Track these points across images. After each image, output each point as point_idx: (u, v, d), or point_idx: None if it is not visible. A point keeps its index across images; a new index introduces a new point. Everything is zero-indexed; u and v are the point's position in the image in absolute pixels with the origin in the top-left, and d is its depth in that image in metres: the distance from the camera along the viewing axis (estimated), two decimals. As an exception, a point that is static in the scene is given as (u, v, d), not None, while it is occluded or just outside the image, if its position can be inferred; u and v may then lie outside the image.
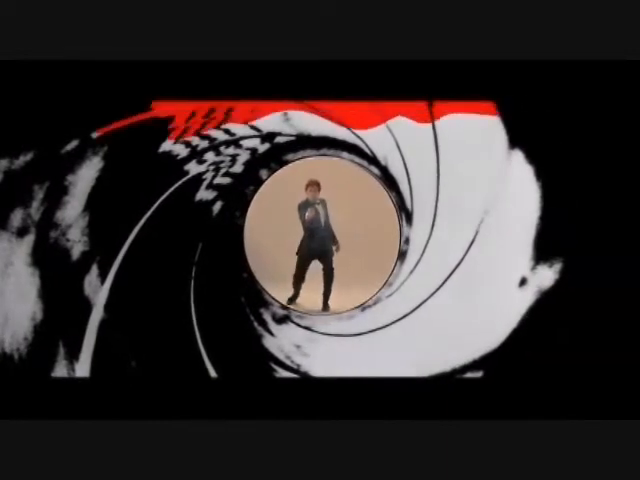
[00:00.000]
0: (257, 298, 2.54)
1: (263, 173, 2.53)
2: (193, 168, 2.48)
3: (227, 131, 2.48)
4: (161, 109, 2.44)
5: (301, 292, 2.93)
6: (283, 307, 2.58)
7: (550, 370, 2.43)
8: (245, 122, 2.47)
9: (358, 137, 2.49)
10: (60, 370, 2.45)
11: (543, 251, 2.43)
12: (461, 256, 2.46)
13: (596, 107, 2.41)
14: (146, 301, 2.46)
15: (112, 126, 2.43)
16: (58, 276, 2.45)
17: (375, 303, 2.51)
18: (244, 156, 2.50)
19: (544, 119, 2.42)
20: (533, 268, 2.43)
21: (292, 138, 2.49)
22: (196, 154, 2.48)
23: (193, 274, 2.48)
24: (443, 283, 2.47)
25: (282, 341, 2.51)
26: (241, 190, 2.52)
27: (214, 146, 2.49)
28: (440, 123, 2.45)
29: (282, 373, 2.49)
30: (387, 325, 2.49)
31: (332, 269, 2.89)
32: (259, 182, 2.53)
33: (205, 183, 2.49)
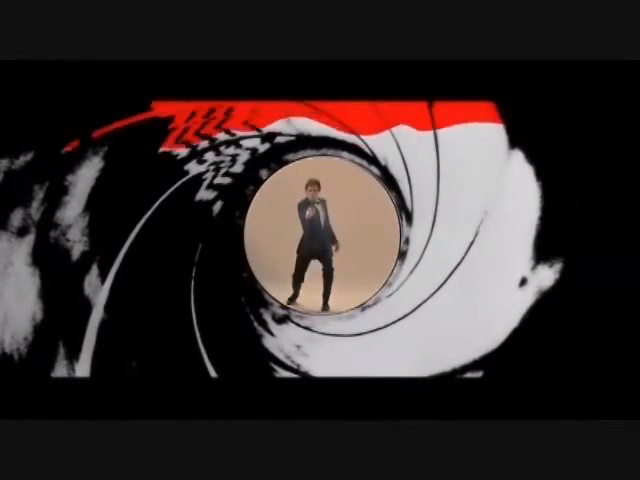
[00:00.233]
0: (257, 298, 2.54)
1: (263, 173, 2.53)
2: (193, 168, 2.48)
3: (227, 131, 2.48)
4: (161, 109, 2.44)
5: (301, 292, 2.93)
6: (283, 307, 2.58)
7: (550, 370, 2.43)
8: (245, 122, 2.47)
9: (358, 137, 2.49)
10: (60, 370, 2.45)
11: (543, 251, 2.43)
12: (461, 256, 2.46)
13: (596, 107, 2.41)
14: (146, 301, 2.46)
15: (112, 126, 2.43)
16: (58, 276, 2.45)
17: (375, 303, 2.51)
18: (244, 156, 2.51)
19: (544, 119, 2.42)
20: (533, 268, 2.43)
21: (292, 138, 2.49)
22: (196, 154, 2.48)
23: (193, 274, 2.48)
24: (443, 283, 2.47)
25: (282, 341, 2.51)
26: (241, 190, 2.52)
27: (214, 146, 2.49)
28: (440, 124, 2.45)
29: (282, 373, 2.49)
30: (387, 325, 2.49)
31: (332, 269, 2.89)
32: (259, 182, 2.53)
33: (205, 183, 2.49)
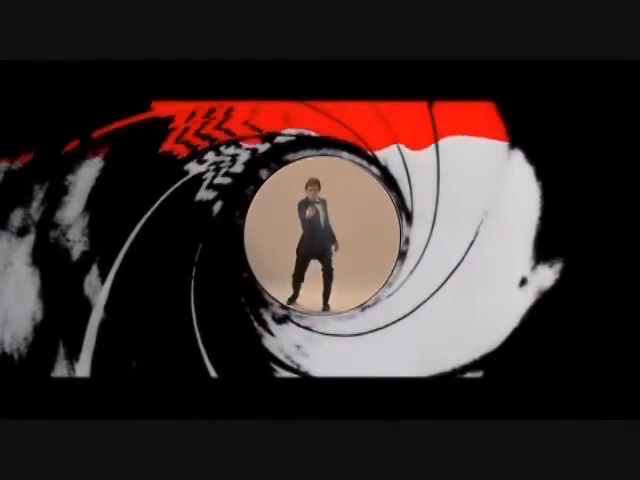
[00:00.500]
0: (257, 298, 2.54)
1: (263, 173, 2.53)
2: (193, 168, 2.48)
3: (227, 131, 2.48)
4: (161, 109, 2.44)
5: (301, 292, 2.93)
6: (283, 307, 2.58)
7: (550, 370, 2.43)
8: (245, 122, 2.47)
9: (358, 137, 2.49)
10: (60, 370, 2.45)
11: (543, 251, 2.43)
12: (461, 256, 2.46)
13: (596, 107, 2.41)
14: (146, 301, 2.46)
15: (112, 126, 2.43)
16: (58, 276, 2.45)
17: (375, 303, 2.51)
18: (244, 156, 2.51)
19: (544, 119, 2.42)
20: (533, 268, 2.43)
21: (292, 138, 2.49)
22: (196, 154, 2.48)
23: (193, 274, 2.48)
24: (443, 283, 2.47)
25: (282, 341, 2.51)
26: (241, 190, 2.52)
27: (214, 146, 2.49)
28: (440, 125, 2.45)
29: (282, 373, 2.49)
30: (387, 325, 2.49)
31: (331, 269, 2.89)
32: (259, 182, 2.53)
33: (205, 183, 2.49)
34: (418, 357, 2.46)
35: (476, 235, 2.46)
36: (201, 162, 2.49)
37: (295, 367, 2.49)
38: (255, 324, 2.52)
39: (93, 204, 2.45)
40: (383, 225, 2.53)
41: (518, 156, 2.44)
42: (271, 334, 2.51)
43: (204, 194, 2.50)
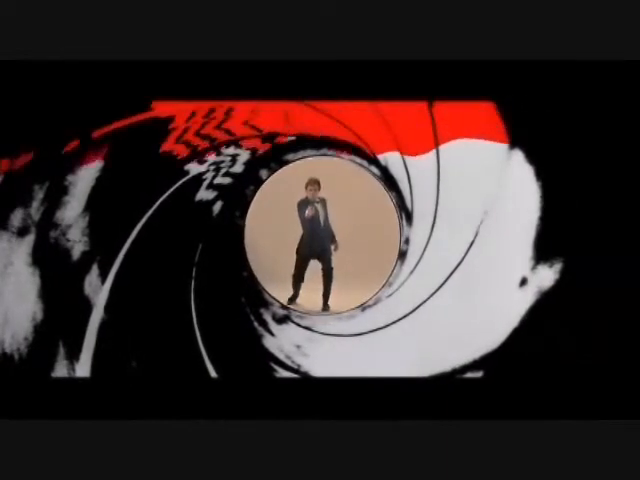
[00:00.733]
0: (257, 298, 2.54)
1: (263, 173, 2.53)
2: (193, 168, 2.48)
3: (227, 131, 2.48)
4: (161, 109, 2.44)
5: (301, 292, 2.93)
6: (283, 307, 2.58)
7: (550, 370, 2.43)
8: (245, 122, 2.47)
9: (358, 137, 2.49)
10: (60, 370, 2.45)
11: (543, 251, 2.43)
12: (461, 256, 2.46)
13: (596, 107, 2.41)
14: (146, 301, 2.46)
15: (112, 126, 2.43)
16: (58, 276, 2.45)
17: (375, 303, 2.51)
18: (244, 156, 2.51)
19: (544, 119, 2.42)
20: (533, 268, 2.43)
21: (292, 138, 2.49)
22: (196, 154, 2.48)
23: (193, 274, 2.48)
24: (443, 283, 2.47)
25: (282, 341, 2.51)
26: (241, 190, 2.53)
27: (214, 146, 2.49)
28: (440, 125, 2.45)
29: (282, 373, 2.49)
30: (387, 325, 2.49)
31: (331, 269, 2.89)
32: (259, 182, 2.53)
33: (205, 183, 2.49)
34: (418, 357, 2.46)
35: (476, 235, 2.46)
36: (201, 162, 2.49)
37: (295, 367, 2.50)
38: (255, 324, 2.52)
39: (93, 204, 2.45)
40: (383, 225, 2.53)
41: (518, 156, 2.44)
42: (271, 334, 2.52)
43: (204, 194, 2.50)
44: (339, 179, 2.59)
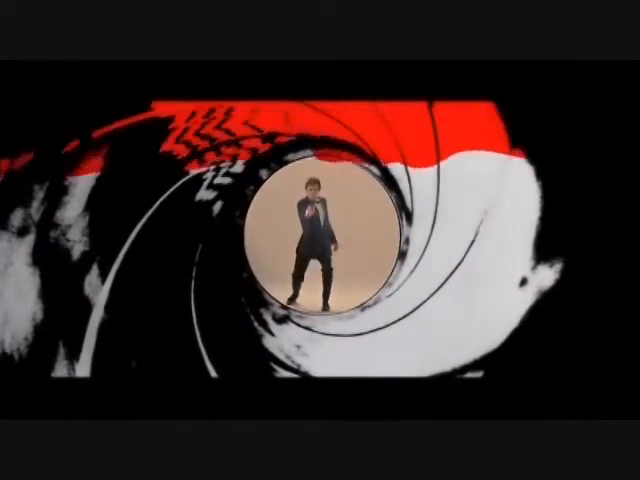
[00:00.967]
0: (257, 298, 2.54)
1: (263, 173, 2.53)
2: (193, 168, 2.48)
3: (227, 131, 2.48)
4: (161, 109, 2.44)
5: (300, 292, 2.93)
6: (283, 307, 2.58)
7: (550, 370, 2.43)
8: (245, 122, 2.47)
9: (358, 137, 2.49)
10: (60, 370, 2.45)
11: (543, 251, 2.43)
12: (461, 256, 2.46)
13: (596, 107, 2.41)
14: (146, 301, 2.46)
15: (112, 126, 2.43)
16: (58, 276, 2.45)
17: (375, 303, 2.51)
18: (244, 156, 2.50)
19: (544, 119, 2.42)
20: (533, 268, 2.43)
21: (292, 138, 2.49)
22: (196, 154, 2.48)
23: (193, 274, 2.48)
24: (443, 283, 2.47)
25: (282, 341, 2.51)
26: (241, 190, 2.52)
27: (214, 146, 2.49)
28: (440, 125, 2.45)
29: (282, 373, 2.49)
30: (387, 325, 2.49)
31: (331, 269, 2.89)
32: (259, 182, 2.53)
33: (205, 183, 2.49)
34: (418, 357, 2.46)
35: (476, 235, 2.46)
36: (201, 162, 2.49)
37: (295, 367, 2.50)
38: (255, 324, 2.52)
39: (93, 204, 2.45)
40: (383, 225, 2.53)
41: (518, 156, 2.44)
42: (271, 334, 2.52)
43: (204, 194, 2.50)
44: (339, 179, 2.59)
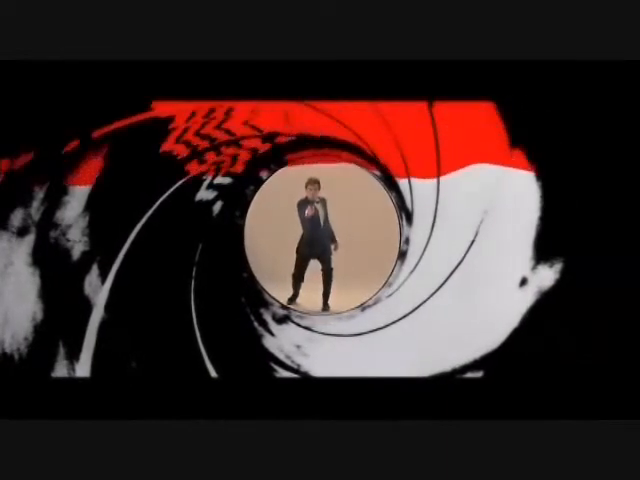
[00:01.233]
0: (257, 298, 2.54)
1: (263, 173, 2.53)
2: (193, 168, 2.48)
3: (227, 131, 2.48)
4: (161, 109, 2.44)
5: (301, 292, 2.93)
6: (283, 307, 2.58)
7: (550, 370, 2.43)
8: (245, 122, 2.47)
9: (358, 137, 2.49)
10: (60, 370, 2.45)
11: (543, 251, 2.43)
12: (461, 256, 2.46)
13: (596, 107, 2.41)
14: (146, 301, 2.46)
15: (112, 126, 2.43)
16: (58, 276, 2.45)
17: (375, 303, 2.51)
18: (244, 156, 2.51)
19: (544, 119, 2.42)
20: (533, 268, 2.43)
21: (292, 138, 2.49)
22: (196, 154, 2.48)
23: (193, 274, 2.48)
24: (443, 283, 2.47)
25: (282, 341, 2.51)
26: (241, 190, 2.52)
27: (214, 146, 2.49)
28: (440, 125, 2.45)
29: (282, 373, 2.49)
30: (387, 325, 2.49)
31: (331, 269, 2.89)
32: (259, 182, 2.53)
33: (205, 183, 2.49)
34: (418, 357, 2.46)
35: (476, 235, 2.46)
36: (201, 162, 2.49)
37: (295, 367, 2.50)
38: (255, 324, 2.52)
39: (93, 204, 2.45)
40: (383, 225, 2.53)
41: (518, 156, 2.44)
42: (271, 334, 2.52)
43: (204, 194, 2.50)
44: (339, 179, 2.59)
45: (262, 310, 2.53)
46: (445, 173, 2.46)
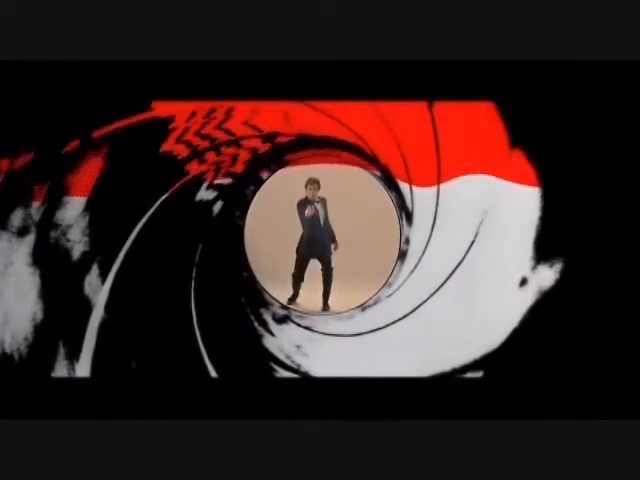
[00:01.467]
0: (257, 298, 2.54)
1: (263, 173, 2.53)
2: (193, 168, 2.48)
3: (227, 131, 2.48)
4: (161, 109, 2.44)
5: (301, 292, 2.93)
6: (283, 307, 2.58)
7: (550, 370, 2.43)
8: (245, 122, 2.47)
9: (358, 137, 2.49)
10: (60, 370, 2.45)
11: (543, 251, 2.43)
12: (461, 256, 2.46)
13: (596, 107, 2.41)
14: (146, 301, 2.46)
15: (112, 126, 2.43)
16: (58, 276, 2.45)
17: (375, 303, 2.51)
18: (244, 156, 2.51)
19: (544, 119, 2.42)
20: (533, 268, 2.43)
21: (292, 138, 2.49)
22: (197, 154, 2.48)
23: (193, 274, 2.48)
24: (443, 283, 2.47)
25: (282, 341, 2.51)
26: (241, 190, 2.53)
27: (214, 146, 2.49)
28: (440, 124, 2.45)
29: (282, 373, 2.49)
30: (387, 325, 2.49)
31: (331, 269, 2.89)
32: (259, 182, 2.53)
33: (205, 183, 2.49)
34: (418, 357, 2.46)
35: (476, 235, 2.46)
36: (202, 162, 2.49)
37: (295, 367, 2.50)
38: (255, 324, 2.52)
39: (93, 204, 2.45)
40: (383, 225, 2.53)
41: (518, 156, 2.44)
42: (271, 334, 2.52)
43: (204, 194, 2.50)
44: (339, 179, 2.59)
45: (262, 310, 2.53)
46: (446, 174, 2.46)
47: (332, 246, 2.94)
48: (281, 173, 2.52)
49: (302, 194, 2.83)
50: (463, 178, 2.46)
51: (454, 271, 2.46)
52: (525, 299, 2.44)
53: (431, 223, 2.47)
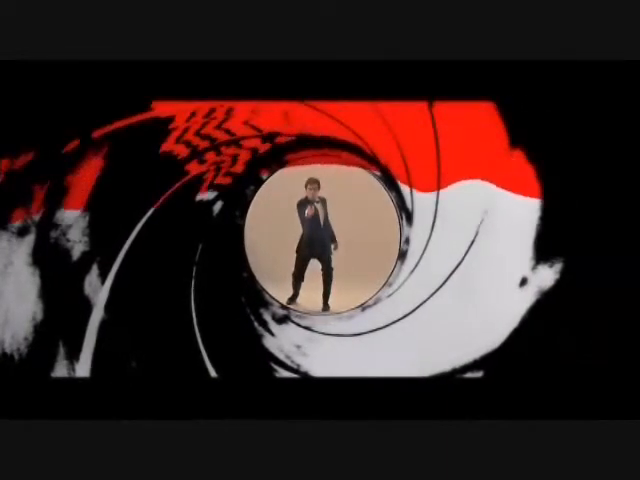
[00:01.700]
0: (257, 298, 2.54)
1: (263, 173, 2.53)
2: (193, 168, 2.48)
3: (227, 131, 2.48)
4: (161, 109, 2.44)
5: (301, 292, 2.93)
6: (283, 307, 2.58)
7: (550, 370, 2.43)
8: (245, 122, 2.48)
9: (358, 137, 2.49)
10: (60, 370, 2.45)
11: (543, 251, 2.43)
12: (461, 256, 2.46)
13: (596, 107, 2.41)
14: (146, 301, 2.46)
15: (112, 126, 2.43)
16: (58, 276, 2.45)
17: (375, 303, 2.51)
18: (244, 156, 2.51)
19: (544, 119, 2.42)
20: (533, 268, 2.43)
21: (292, 138, 2.49)
22: (196, 154, 2.48)
23: (193, 274, 2.48)
24: (443, 283, 2.47)
25: (282, 341, 2.51)
26: (241, 190, 2.53)
27: (214, 146, 2.49)
28: (440, 124, 2.45)
29: (282, 373, 2.49)
30: (387, 325, 2.49)
31: (331, 268, 2.90)
32: (259, 182, 2.53)
33: (205, 183, 2.50)
34: (418, 357, 2.46)
35: (476, 235, 2.46)
36: (202, 162, 2.49)
37: (295, 367, 2.50)
38: (255, 324, 2.52)
39: (93, 204, 2.45)
40: (383, 225, 2.53)
41: (518, 156, 2.44)
42: (271, 334, 2.52)
43: (204, 194, 2.50)
44: (339, 179, 2.59)
45: (262, 310, 2.53)
46: (446, 174, 2.46)
47: (332, 246, 2.94)
48: (281, 173, 2.52)
49: (302, 194, 2.83)
50: (463, 178, 2.46)
51: (454, 271, 2.46)
52: (525, 299, 2.44)
53: (431, 223, 2.47)
